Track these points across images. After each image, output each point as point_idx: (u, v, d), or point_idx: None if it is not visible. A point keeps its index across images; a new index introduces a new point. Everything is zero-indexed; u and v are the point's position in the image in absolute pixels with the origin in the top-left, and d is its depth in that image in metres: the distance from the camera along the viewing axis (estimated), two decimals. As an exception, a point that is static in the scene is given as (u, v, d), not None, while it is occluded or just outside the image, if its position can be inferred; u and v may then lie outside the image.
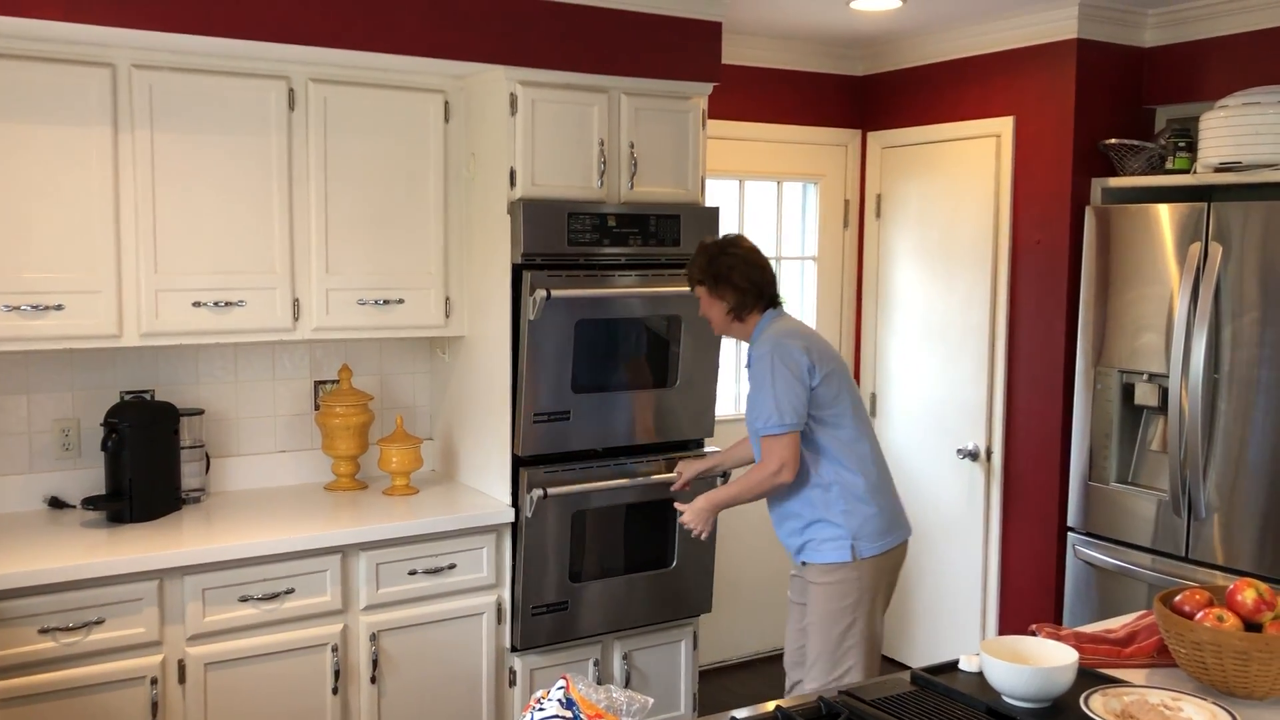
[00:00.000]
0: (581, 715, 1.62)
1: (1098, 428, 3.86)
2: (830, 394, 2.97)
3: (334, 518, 3.32)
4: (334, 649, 3.18)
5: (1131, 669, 2.13)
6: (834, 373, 2.99)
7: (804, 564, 3.08)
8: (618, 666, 3.64)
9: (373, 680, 3.24)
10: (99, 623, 2.84)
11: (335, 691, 3.18)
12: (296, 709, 3.14)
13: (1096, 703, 1.82)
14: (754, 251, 3.07)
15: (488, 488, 3.58)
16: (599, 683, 3.60)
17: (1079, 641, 2.17)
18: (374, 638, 3.24)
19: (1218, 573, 3.48)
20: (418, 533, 3.29)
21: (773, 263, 3.19)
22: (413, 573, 3.30)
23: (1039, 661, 1.94)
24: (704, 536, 3.16)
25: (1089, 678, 1.93)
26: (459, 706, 3.40)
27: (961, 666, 2.04)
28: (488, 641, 3.43)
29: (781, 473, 2.94)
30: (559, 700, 1.62)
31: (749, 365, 3.03)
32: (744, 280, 3.00)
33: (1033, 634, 2.26)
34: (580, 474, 3.48)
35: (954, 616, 4.51)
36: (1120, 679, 1.99)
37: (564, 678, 1.66)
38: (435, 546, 3.33)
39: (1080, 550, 3.91)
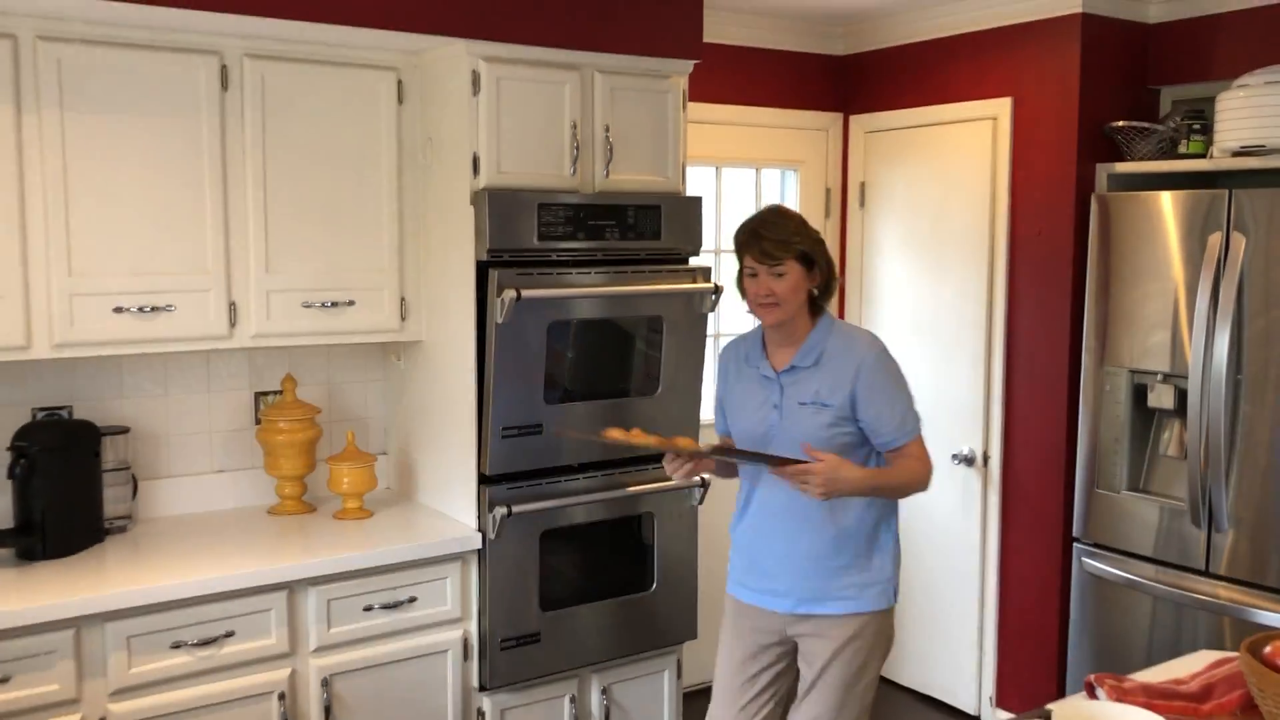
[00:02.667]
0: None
1: (1105, 432, 3.60)
2: None
3: (279, 548, 2.96)
4: (281, 697, 2.82)
5: (1212, 728, 1.85)
6: None
7: (818, 615, 2.60)
8: (596, 703, 3.32)
9: (325, 730, 2.89)
10: (3, 681, 2.46)
11: (282, 745, 2.83)
12: (242, 767, 2.78)
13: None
14: None
15: (451, 509, 3.23)
16: (575, 720, 3.31)
17: (1149, 697, 1.88)
18: (326, 683, 2.88)
19: (1239, 588, 3.23)
20: (374, 564, 2.94)
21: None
22: (369, 608, 2.95)
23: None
24: (817, 494, 2.42)
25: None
26: (422, 755, 3.06)
27: (1027, 735, 1.74)
28: (453, 681, 3.09)
29: (931, 478, 2.62)
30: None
31: (827, 365, 2.54)
32: (829, 263, 2.62)
33: (1090, 687, 1.97)
34: (548, 489, 3.14)
35: (950, 633, 4.24)
36: (1215, 750, 1.70)
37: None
38: (393, 578, 2.98)
39: (1086, 562, 3.65)
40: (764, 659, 2.69)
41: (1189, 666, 2.07)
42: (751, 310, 2.60)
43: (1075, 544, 3.70)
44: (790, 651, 2.69)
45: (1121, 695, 1.89)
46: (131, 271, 2.83)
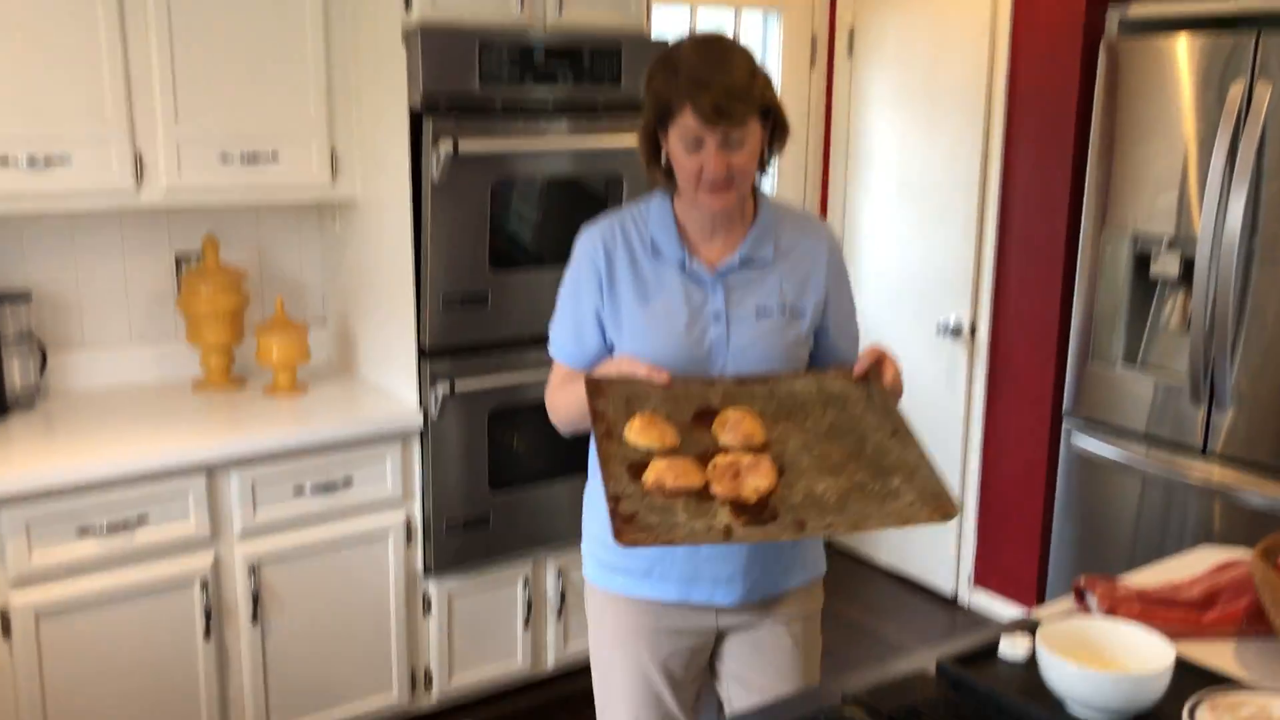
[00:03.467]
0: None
1: (1104, 301, 3.33)
2: None
3: (201, 426, 2.71)
4: (204, 585, 2.61)
5: (1214, 640, 1.63)
6: None
7: (780, 593, 1.87)
8: (551, 585, 3.13)
9: (255, 620, 2.70)
10: (-115, 573, 2.24)
11: (208, 635, 2.63)
12: (159, 660, 2.59)
13: (1207, 715, 1.31)
14: None
15: (392, 385, 2.98)
16: (529, 604, 3.11)
17: (1145, 605, 1.66)
18: (254, 570, 2.68)
19: (1236, 469, 3.02)
20: (302, 444, 2.70)
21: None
22: (300, 490, 2.72)
23: (1116, 653, 1.43)
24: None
25: (1178, 669, 1.42)
26: (364, 642, 2.88)
27: (1003, 653, 1.52)
28: (395, 566, 2.88)
29: None
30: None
31: (793, 252, 1.84)
32: (784, 116, 1.80)
33: (1080, 593, 1.75)
34: (496, 364, 2.88)
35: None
36: (1221, 675, 1.48)
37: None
38: (326, 459, 2.74)
39: (1075, 440, 3.43)
40: (689, 679, 1.90)
41: (1188, 567, 1.84)
42: (687, 194, 1.76)
43: (1064, 420, 3.47)
44: (709, 657, 1.92)
45: (1114, 603, 1.67)
46: (19, 118, 2.50)
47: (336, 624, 2.82)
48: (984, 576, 3.91)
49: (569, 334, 1.85)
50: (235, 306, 2.94)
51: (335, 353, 3.29)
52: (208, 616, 2.62)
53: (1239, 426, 3.01)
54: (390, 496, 2.85)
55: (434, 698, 3.02)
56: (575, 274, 1.84)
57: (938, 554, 4.03)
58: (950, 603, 4.00)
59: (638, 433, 1.59)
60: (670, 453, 1.58)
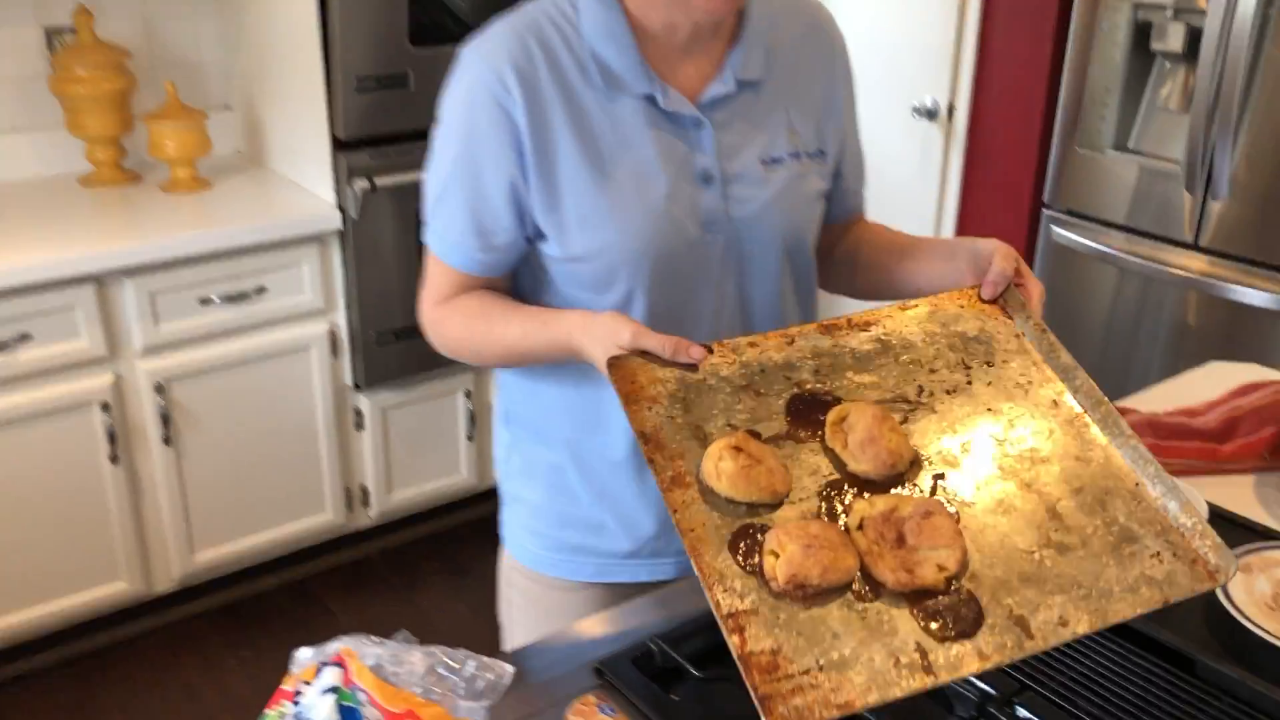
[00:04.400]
0: (371, 708, 0.85)
1: (1096, 80, 3.03)
2: None
3: (88, 230, 2.39)
4: (105, 407, 2.36)
5: (1233, 475, 1.44)
6: None
7: None
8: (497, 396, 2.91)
9: (167, 442, 2.46)
10: None
11: (115, 460, 2.40)
12: (61, 488, 2.36)
13: (1235, 585, 1.13)
14: None
15: (306, 181, 2.65)
16: (472, 417, 2.88)
17: (1158, 438, 1.46)
18: (161, 389, 2.42)
19: (1225, 263, 2.82)
20: (208, 248, 2.39)
21: None
22: (206, 301, 2.43)
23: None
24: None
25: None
26: (292, 462, 2.67)
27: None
28: (321, 381, 2.64)
29: None
30: (329, 691, 0.84)
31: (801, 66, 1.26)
32: None
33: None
34: (421, 156, 2.55)
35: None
36: (1253, 524, 1.29)
37: (340, 656, 0.88)
38: (234, 265, 2.45)
39: (1055, 231, 3.20)
40: None
41: (1200, 390, 1.64)
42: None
43: (1044, 210, 3.23)
44: None
45: (1121, 434, 1.46)
46: None
47: (260, 444, 2.60)
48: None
49: (464, 227, 1.18)
50: (119, 89, 2.56)
51: (243, 143, 2.93)
52: (112, 440, 2.38)
53: (1231, 217, 2.79)
54: (309, 306, 2.57)
55: (373, 514, 2.85)
56: (466, 129, 1.15)
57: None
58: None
59: (729, 479, 0.93)
60: (781, 506, 0.95)
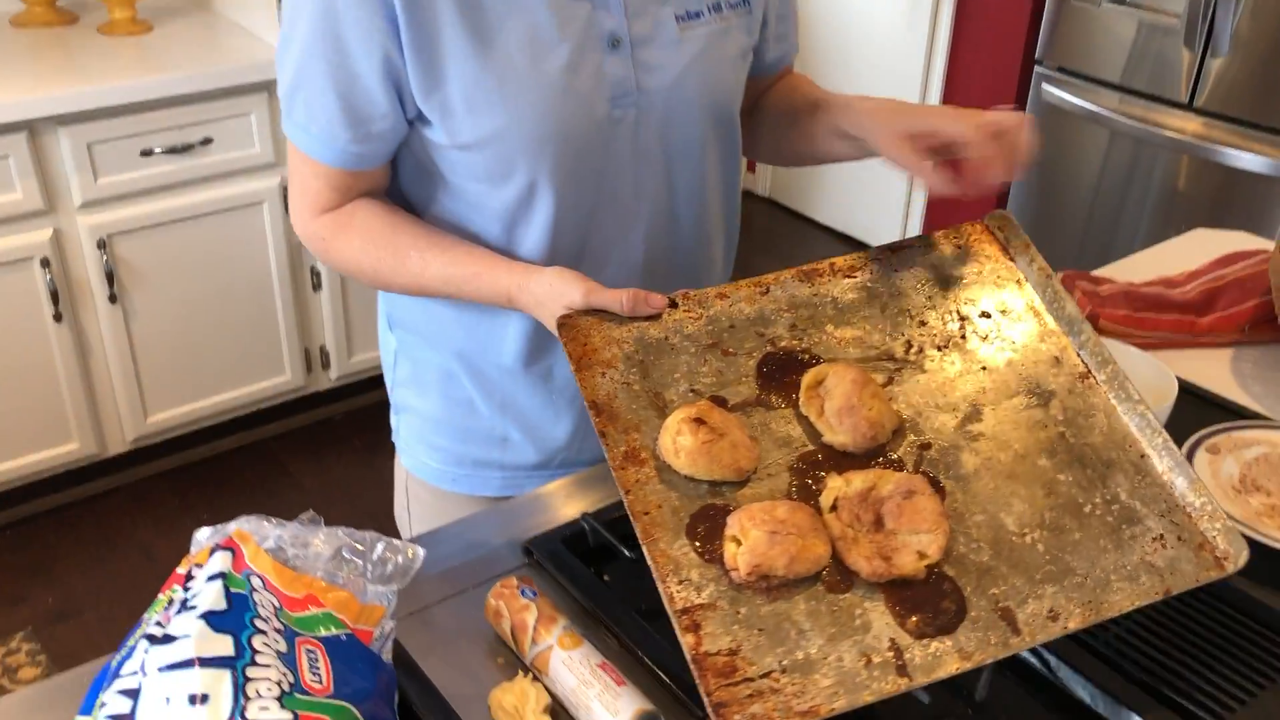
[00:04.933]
0: (267, 593, 0.79)
1: (1096, -74, 2.86)
2: None
3: (18, 74, 2.25)
4: (44, 263, 2.26)
5: (1211, 348, 1.38)
6: None
7: None
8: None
9: (112, 300, 2.37)
10: None
11: (58, 318, 2.32)
12: (6, 346, 2.28)
13: (1202, 468, 1.07)
14: None
15: (254, 24, 2.49)
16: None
17: (1133, 308, 1.39)
18: (103, 244, 2.32)
19: (1226, 125, 2.70)
20: (149, 96, 2.26)
21: None
22: (148, 153, 2.31)
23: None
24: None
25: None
26: (246, 324, 2.58)
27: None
28: (275, 239, 2.54)
29: None
30: (216, 579, 0.78)
31: None
32: None
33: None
34: None
35: (877, 167, 3.72)
36: (1222, 401, 1.23)
37: (233, 539, 0.82)
38: (179, 114, 2.32)
39: (1047, 90, 3.06)
40: None
41: (1183, 258, 1.56)
42: None
43: (1036, 67, 3.09)
44: None
45: (1098, 302, 1.39)
46: None
47: (213, 304, 2.51)
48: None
49: (332, 115, 0.99)
50: (47, -79, 2.38)
51: (188, -18, 2.75)
52: (55, 298, 2.29)
53: (1229, 76, 2.67)
54: (259, 159, 2.45)
55: (333, 376, 2.78)
56: (325, 2, 0.94)
57: (885, 214, 3.76)
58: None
59: (689, 455, 0.84)
60: (748, 484, 0.86)
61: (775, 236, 3.99)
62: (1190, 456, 1.07)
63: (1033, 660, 0.88)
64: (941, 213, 3.59)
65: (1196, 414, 1.17)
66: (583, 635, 0.87)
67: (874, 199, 3.76)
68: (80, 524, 2.52)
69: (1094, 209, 3.04)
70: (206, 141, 2.36)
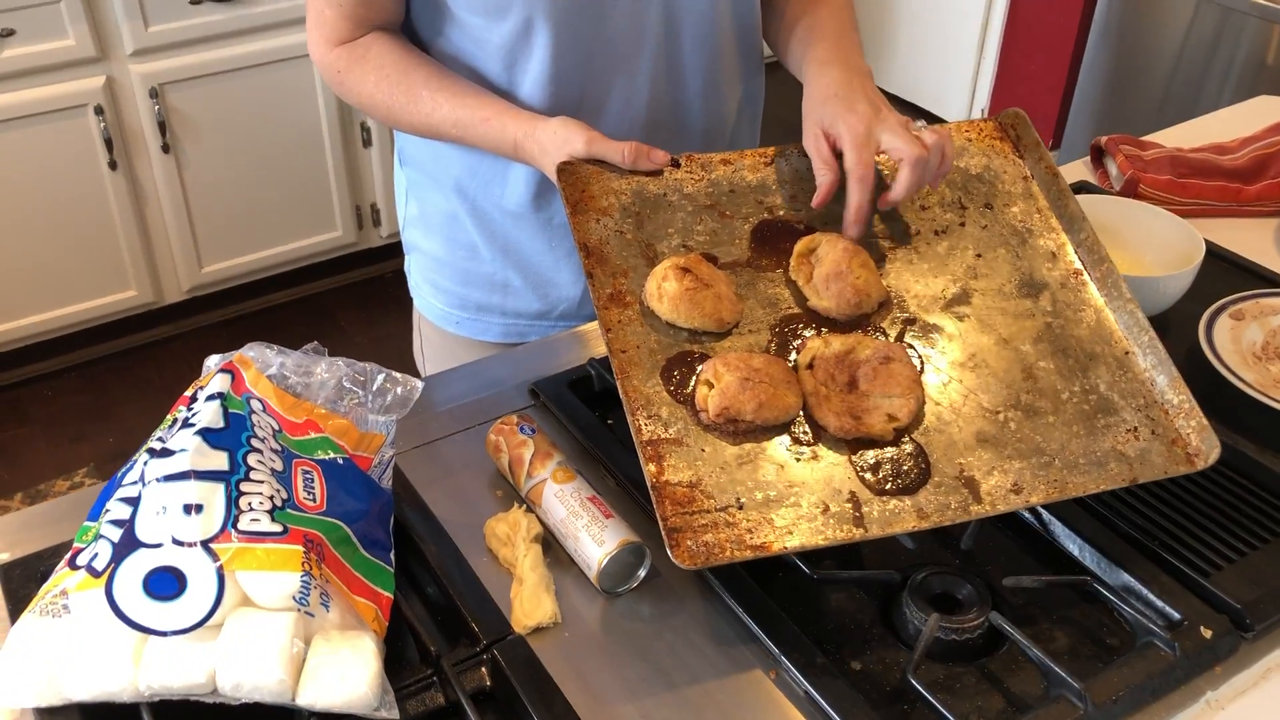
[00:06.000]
0: (267, 416, 0.82)
1: None
2: None
3: (67, -83, 2.25)
4: (98, 110, 2.29)
5: (1256, 217, 1.33)
6: None
7: None
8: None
9: (165, 149, 2.40)
10: None
11: (113, 166, 2.36)
12: (63, 194, 2.33)
13: (1223, 333, 1.04)
14: None
15: None
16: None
17: (1177, 174, 1.34)
18: (155, 94, 2.34)
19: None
20: (193, -59, 2.24)
21: None
22: (197, 1, 2.31)
23: (1131, 241, 1.13)
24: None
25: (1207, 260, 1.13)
26: (298, 179, 2.61)
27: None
28: (325, 94, 2.54)
29: None
30: (214, 400, 0.81)
31: None
32: None
33: (1098, 151, 1.43)
34: None
35: (948, 33, 3.59)
36: (1254, 267, 1.19)
37: (233, 363, 0.84)
38: (225, -40, 2.30)
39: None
40: None
41: (1238, 125, 1.49)
42: None
43: (1119, -72, 2.93)
44: None
45: (1142, 167, 1.34)
46: None
47: (264, 158, 2.53)
48: (998, 109, 3.54)
49: None
50: None
51: None
52: (109, 146, 2.32)
53: (1328, -60, 2.50)
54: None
55: (384, 234, 2.81)
56: None
57: (952, 83, 3.64)
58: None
59: (671, 301, 0.84)
60: (728, 336, 0.87)
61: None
62: (1212, 321, 1.05)
63: (1025, 513, 0.88)
64: (1009, 86, 3.46)
65: (1227, 280, 1.14)
66: (577, 472, 0.89)
67: (942, 67, 3.64)
68: (139, 369, 2.61)
69: (1173, 80, 2.90)
70: (256, -10, 2.35)
